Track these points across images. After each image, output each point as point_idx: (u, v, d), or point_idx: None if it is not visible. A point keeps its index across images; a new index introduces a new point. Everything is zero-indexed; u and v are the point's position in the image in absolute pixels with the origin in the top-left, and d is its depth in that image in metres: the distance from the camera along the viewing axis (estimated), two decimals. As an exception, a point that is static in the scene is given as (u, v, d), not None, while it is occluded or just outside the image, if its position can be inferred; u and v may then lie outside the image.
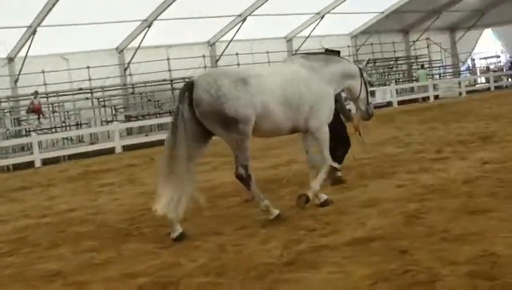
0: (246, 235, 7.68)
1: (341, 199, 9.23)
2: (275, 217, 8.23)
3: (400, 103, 36.83)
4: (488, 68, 51.98)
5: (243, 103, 7.92)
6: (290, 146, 15.80)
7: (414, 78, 42.08)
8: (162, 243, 7.83)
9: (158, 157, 11.41)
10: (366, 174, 11.34)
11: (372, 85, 10.01)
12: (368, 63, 10.17)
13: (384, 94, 34.17)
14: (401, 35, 44.83)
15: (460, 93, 39.48)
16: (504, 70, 50.08)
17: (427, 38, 44.53)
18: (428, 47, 44.36)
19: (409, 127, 19.92)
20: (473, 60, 59.83)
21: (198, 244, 7.51)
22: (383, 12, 39.44)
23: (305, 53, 10.18)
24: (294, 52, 37.00)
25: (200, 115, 7.92)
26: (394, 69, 43.66)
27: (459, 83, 41.68)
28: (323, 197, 8.96)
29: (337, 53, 9.65)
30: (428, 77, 42.87)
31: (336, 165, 10.04)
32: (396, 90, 38.79)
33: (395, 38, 43.68)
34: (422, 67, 42.73)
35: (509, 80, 46.18)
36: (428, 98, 38.39)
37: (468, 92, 40.25)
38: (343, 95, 10.60)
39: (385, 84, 39.62)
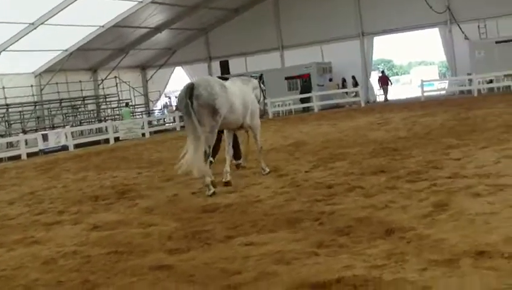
0: None
1: None
2: (211, 193, 11.02)
3: (81, 145, 33.59)
4: (177, 107, 52.73)
5: (225, 101, 11.43)
6: None
7: (103, 118, 40.89)
8: None
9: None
10: None
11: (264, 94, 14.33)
12: (261, 77, 14.13)
13: (58, 138, 31.61)
14: (90, 73, 43.88)
15: (143, 134, 37.97)
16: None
17: (115, 77, 44.13)
18: (117, 85, 43.95)
19: (64, 177, 17.78)
20: (169, 97, 60.82)
21: None
22: (66, 50, 38.17)
23: (238, 75, 15.10)
24: None
25: (197, 105, 11.06)
26: (81, 109, 42.30)
27: (143, 124, 39.86)
28: (266, 170, 13.18)
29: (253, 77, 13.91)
30: (131, 115, 42.16)
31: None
32: (82, 131, 37.68)
33: (82, 76, 42.59)
34: (127, 105, 41.94)
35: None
36: (108, 140, 35.05)
37: (156, 132, 39.59)
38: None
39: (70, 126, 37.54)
